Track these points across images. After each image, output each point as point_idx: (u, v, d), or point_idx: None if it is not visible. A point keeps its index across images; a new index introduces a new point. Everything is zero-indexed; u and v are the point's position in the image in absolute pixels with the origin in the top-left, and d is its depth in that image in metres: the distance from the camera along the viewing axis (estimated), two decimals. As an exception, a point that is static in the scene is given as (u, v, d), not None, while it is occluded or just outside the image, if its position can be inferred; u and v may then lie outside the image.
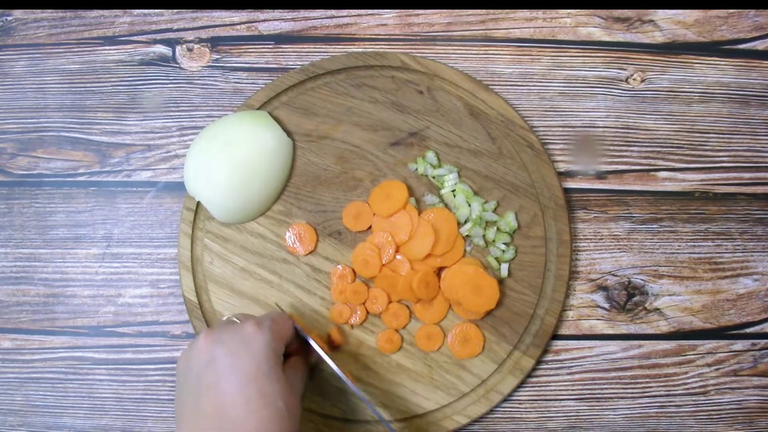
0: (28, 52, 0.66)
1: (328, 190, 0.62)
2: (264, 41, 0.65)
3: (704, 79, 0.64)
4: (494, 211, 0.61)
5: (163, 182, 0.64)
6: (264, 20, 0.65)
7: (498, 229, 0.60)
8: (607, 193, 0.63)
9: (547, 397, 0.61)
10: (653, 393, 0.61)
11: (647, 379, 0.62)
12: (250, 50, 0.65)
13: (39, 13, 0.66)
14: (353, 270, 0.60)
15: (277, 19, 0.65)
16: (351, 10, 0.65)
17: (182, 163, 0.64)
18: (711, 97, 0.64)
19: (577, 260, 0.62)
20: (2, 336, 0.63)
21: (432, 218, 0.59)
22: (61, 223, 0.64)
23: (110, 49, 0.65)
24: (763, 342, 0.62)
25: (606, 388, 0.62)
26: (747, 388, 0.62)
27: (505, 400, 0.60)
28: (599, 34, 0.64)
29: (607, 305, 0.62)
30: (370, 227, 0.61)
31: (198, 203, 0.61)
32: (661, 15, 0.65)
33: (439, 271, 0.60)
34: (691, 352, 0.62)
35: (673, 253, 0.63)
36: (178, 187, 0.64)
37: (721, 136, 0.64)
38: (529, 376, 0.61)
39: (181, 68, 0.65)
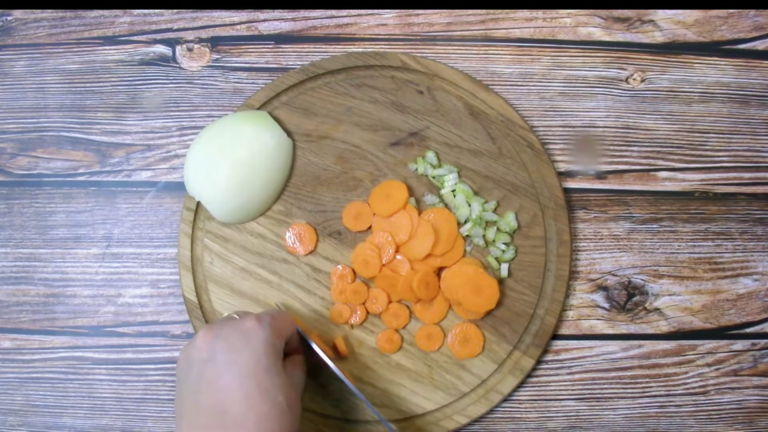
0: (28, 52, 0.66)
1: (328, 190, 0.62)
2: (264, 41, 0.65)
3: (704, 79, 0.64)
4: (494, 211, 0.61)
5: (163, 182, 0.64)
6: (264, 20, 0.65)
7: (498, 229, 0.60)
8: (607, 193, 0.63)
9: (547, 397, 0.61)
10: (653, 393, 0.61)
11: (647, 379, 0.62)
12: (250, 50, 0.65)
13: (39, 13, 0.66)
14: (353, 270, 0.60)
15: (277, 19, 0.65)
16: (351, 10, 0.65)
17: (182, 163, 0.64)
18: (711, 97, 0.64)
19: (577, 260, 0.62)
20: (2, 336, 0.63)
21: (432, 218, 0.59)
22: (61, 223, 0.64)
23: (110, 49, 0.65)
24: (763, 342, 0.62)
25: (606, 388, 0.62)
26: (747, 388, 0.62)
27: (505, 400, 0.60)
28: (599, 34, 0.64)
29: (607, 305, 0.62)
30: (370, 227, 0.61)
31: (198, 203, 0.61)
32: (661, 15, 0.65)
33: (439, 271, 0.60)
34: (691, 352, 0.62)
35: (673, 253, 0.63)
36: (178, 187, 0.64)
37: (721, 136, 0.64)
38: (529, 376, 0.61)
39: (181, 68, 0.65)
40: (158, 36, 0.65)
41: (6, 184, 0.64)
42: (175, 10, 0.66)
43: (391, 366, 0.60)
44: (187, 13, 0.66)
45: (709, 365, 0.62)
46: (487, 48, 0.64)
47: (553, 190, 0.61)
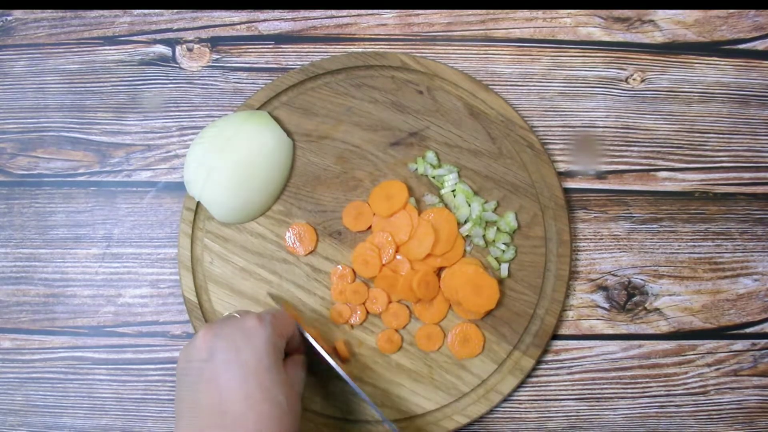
0: (28, 52, 0.66)
1: (328, 190, 0.62)
2: (264, 41, 0.65)
3: (704, 79, 0.64)
4: (494, 211, 0.61)
5: (163, 182, 0.64)
6: (264, 20, 0.65)
7: (498, 229, 0.60)
8: (607, 193, 0.63)
9: (547, 397, 0.61)
10: (653, 393, 0.61)
11: (647, 379, 0.62)
12: (250, 50, 0.65)
13: (39, 13, 0.66)
14: (353, 270, 0.60)
15: (277, 19, 0.65)
16: (351, 10, 0.65)
17: (182, 163, 0.64)
18: (711, 97, 0.64)
19: (577, 260, 0.62)
20: (2, 336, 0.63)
21: (432, 218, 0.59)
22: (61, 223, 0.64)
23: (110, 49, 0.65)
24: (763, 342, 0.62)
25: (606, 388, 0.62)
26: (747, 388, 0.62)
27: (505, 400, 0.60)
28: (599, 34, 0.64)
29: (607, 305, 0.62)
30: (370, 227, 0.61)
31: (198, 203, 0.61)
32: (661, 15, 0.65)
33: (439, 271, 0.60)
34: (691, 352, 0.62)
35: (673, 253, 0.63)
36: (178, 187, 0.64)
37: (721, 136, 0.64)
38: (529, 376, 0.61)
39: (181, 68, 0.65)
40: (158, 36, 0.65)
41: (6, 184, 0.64)
42: (175, 10, 0.66)
43: (391, 366, 0.60)
44: (187, 13, 0.66)
45: (709, 365, 0.62)
46: (487, 48, 0.64)
47: (553, 190, 0.61)
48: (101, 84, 0.65)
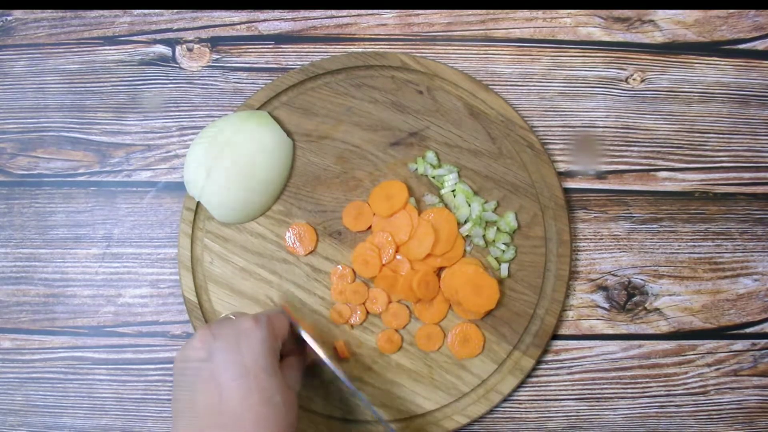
0: (28, 52, 0.66)
1: (328, 190, 0.62)
2: (264, 41, 0.65)
3: (704, 79, 0.64)
4: (494, 211, 0.61)
5: (163, 182, 0.64)
6: (264, 20, 0.65)
7: (498, 229, 0.60)
8: (607, 193, 0.63)
9: (547, 397, 0.61)
10: (653, 393, 0.61)
11: (647, 379, 0.62)
12: (250, 50, 0.65)
13: (39, 13, 0.66)
14: (353, 270, 0.60)
15: (277, 19, 0.65)
16: (351, 10, 0.65)
17: (182, 163, 0.64)
18: (711, 97, 0.64)
19: (577, 260, 0.62)
20: (2, 336, 0.63)
21: (432, 218, 0.59)
22: (61, 223, 0.64)
23: (110, 49, 0.65)
24: (763, 342, 0.62)
25: (606, 388, 0.62)
26: (747, 388, 0.62)
27: (505, 400, 0.60)
28: (599, 34, 0.64)
29: (607, 305, 0.62)
30: (370, 227, 0.61)
31: (198, 203, 0.61)
32: (661, 15, 0.65)
33: (439, 271, 0.60)
34: (691, 352, 0.62)
35: (673, 253, 0.63)
36: (178, 187, 0.64)
37: (721, 136, 0.64)
38: (529, 376, 0.61)
39: (181, 68, 0.65)
40: (158, 36, 0.65)
41: (6, 184, 0.64)
42: (175, 10, 0.66)
43: (391, 366, 0.60)
44: (187, 13, 0.66)
45: (709, 365, 0.62)
46: (487, 48, 0.64)
47: (553, 190, 0.61)
48: (101, 84, 0.65)
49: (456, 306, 0.59)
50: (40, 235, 0.64)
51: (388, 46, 0.64)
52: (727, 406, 0.62)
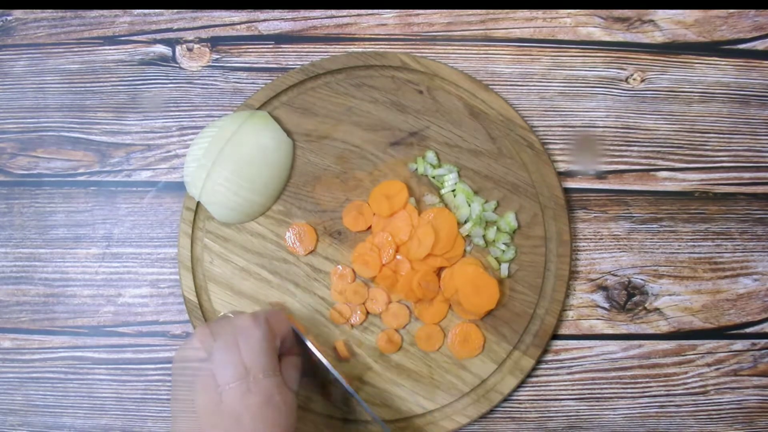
0: (28, 52, 0.66)
1: (328, 190, 0.62)
2: (264, 41, 0.65)
3: (704, 79, 0.64)
4: (494, 211, 0.61)
5: (163, 182, 0.64)
6: (264, 20, 0.65)
7: (498, 229, 0.60)
8: (607, 193, 0.63)
9: (547, 397, 0.61)
10: (653, 393, 0.61)
11: (647, 379, 0.62)
12: (250, 50, 0.65)
13: (39, 13, 0.66)
14: (353, 270, 0.60)
15: (277, 19, 0.65)
16: (351, 10, 0.65)
17: (182, 163, 0.64)
18: (711, 97, 0.64)
19: (577, 260, 0.62)
20: (2, 336, 0.63)
21: (432, 218, 0.59)
22: (61, 223, 0.64)
23: (110, 49, 0.65)
24: (763, 342, 0.62)
25: (606, 388, 0.62)
26: (747, 388, 0.62)
27: (505, 400, 0.60)
28: (599, 34, 0.64)
29: (607, 305, 0.62)
30: (370, 227, 0.61)
31: (198, 203, 0.61)
32: (661, 15, 0.65)
33: (439, 271, 0.60)
34: (691, 352, 0.62)
35: (673, 253, 0.63)
36: (178, 187, 0.64)
37: (721, 136, 0.64)
38: (529, 376, 0.61)
39: (181, 68, 0.65)
40: (158, 36, 0.65)
41: (6, 184, 0.64)
42: (175, 10, 0.66)
43: (391, 366, 0.60)
44: (187, 13, 0.66)
45: (709, 365, 0.62)
46: (487, 48, 0.64)
47: (553, 190, 0.61)
48: (101, 84, 0.65)
49: (456, 306, 0.59)
50: (40, 235, 0.64)
51: (388, 46, 0.64)
52: (727, 406, 0.62)
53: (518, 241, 0.61)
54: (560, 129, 0.64)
